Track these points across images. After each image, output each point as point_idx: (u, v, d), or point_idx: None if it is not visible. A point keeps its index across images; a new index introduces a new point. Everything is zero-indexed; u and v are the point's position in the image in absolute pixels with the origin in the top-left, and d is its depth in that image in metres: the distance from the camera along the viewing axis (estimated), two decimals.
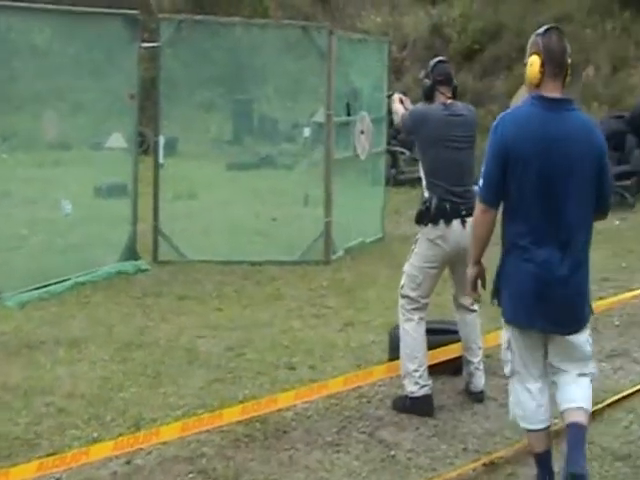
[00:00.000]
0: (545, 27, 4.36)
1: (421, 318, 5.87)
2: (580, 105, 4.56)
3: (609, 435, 5.39)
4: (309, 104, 12.01)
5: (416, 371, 5.75)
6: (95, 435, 5.35)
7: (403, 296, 5.89)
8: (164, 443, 5.08)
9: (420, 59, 24.05)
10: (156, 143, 10.46)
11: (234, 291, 9.16)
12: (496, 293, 4.51)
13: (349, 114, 11.17)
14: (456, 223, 5.72)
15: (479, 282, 4.62)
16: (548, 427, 4.54)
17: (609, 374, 6.55)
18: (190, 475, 4.91)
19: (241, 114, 13.85)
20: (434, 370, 6.06)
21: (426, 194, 5.83)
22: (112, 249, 9.91)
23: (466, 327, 6.08)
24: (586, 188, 4.31)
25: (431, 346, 6.03)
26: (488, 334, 6.78)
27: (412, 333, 5.82)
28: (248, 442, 5.32)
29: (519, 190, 4.28)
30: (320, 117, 11.23)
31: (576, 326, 4.42)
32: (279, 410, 5.58)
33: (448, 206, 5.70)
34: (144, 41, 10.28)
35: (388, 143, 13.40)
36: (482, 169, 4.38)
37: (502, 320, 4.54)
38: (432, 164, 5.84)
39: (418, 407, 5.73)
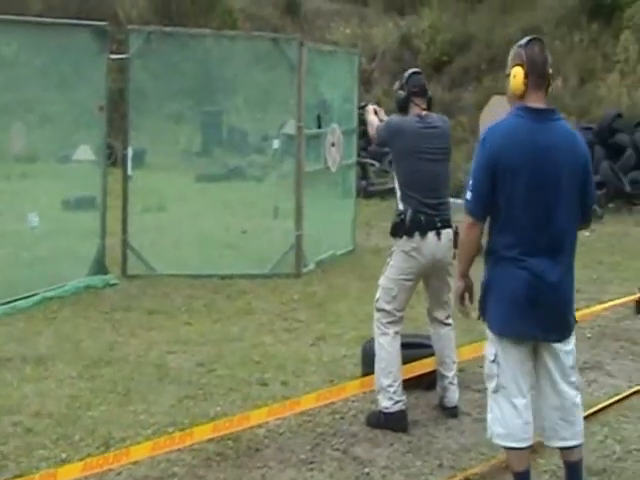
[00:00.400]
0: (527, 38, 4.40)
1: (397, 332, 5.81)
2: None
3: (584, 449, 5.35)
4: (279, 116, 11.97)
5: (390, 386, 5.69)
6: (64, 456, 5.24)
7: (378, 309, 5.84)
8: (134, 463, 4.98)
9: (389, 71, 24.17)
10: (125, 155, 10.36)
11: (204, 305, 9.07)
12: (482, 307, 4.46)
13: (319, 126, 11.12)
14: (431, 235, 5.68)
15: (466, 296, 4.58)
16: (531, 446, 4.50)
17: (582, 387, 6.50)
18: None
19: (210, 126, 13.78)
20: (407, 385, 6.01)
21: (401, 206, 5.79)
22: (80, 263, 9.78)
23: (440, 341, 6.03)
24: (572, 196, 4.33)
25: (404, 360, 5.99)
26: (461, 348, 6.77)
27: (387, 347, 5.76)
28: (220, 461, 5.24)
29: (508, 201, 4.26)
30: (290, 129, 11.19)
31: (566, 333, 4.43)
32: (251, 427, 5.50)
33: (423, 218, 5.67)
34: (112, 52, 10.18)
35: (358, 155, 13.37)
36: (469, 182, 4.35)
37: (489, 333, 4.47)
38: (407, 176, 5.80)
39: (392, 423, 5.67)
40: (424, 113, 5.87)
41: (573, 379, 4.52)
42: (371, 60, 24.51)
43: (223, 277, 10.27)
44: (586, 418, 5.68)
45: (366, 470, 5.13)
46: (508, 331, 4.36)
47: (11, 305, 8.61)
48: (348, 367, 6.97)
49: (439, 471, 5.14)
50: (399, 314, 5.82)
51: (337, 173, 11.61)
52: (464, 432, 5.73)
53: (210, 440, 5.31)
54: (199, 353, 7.38)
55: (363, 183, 16.73)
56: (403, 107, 5.92)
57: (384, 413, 5.70)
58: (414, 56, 24.05)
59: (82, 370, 6.85)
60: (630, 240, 13.14)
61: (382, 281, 5.86)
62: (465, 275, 4.54)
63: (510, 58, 4.40)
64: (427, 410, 6.09)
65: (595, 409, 5.95)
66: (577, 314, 7.36)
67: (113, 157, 14.64)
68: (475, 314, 4.60)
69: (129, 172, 10.30)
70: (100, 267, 9.92)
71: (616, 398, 6.28)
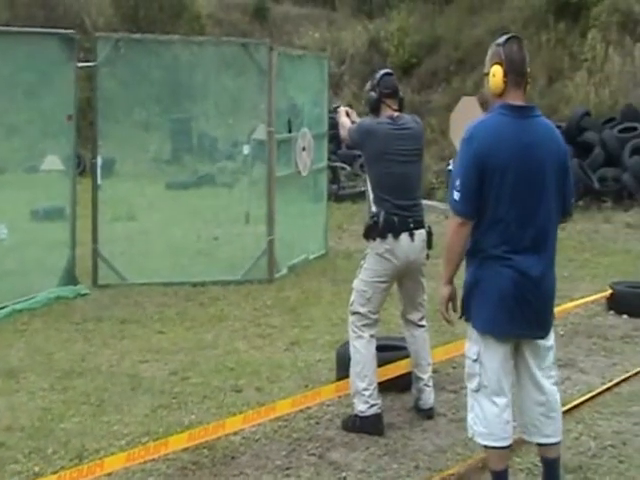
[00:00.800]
0: (505, 37, 4.42)
1: (372, 335, 5.79)
2: None
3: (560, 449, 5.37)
4: (249, 121, 11.94)
5: (366, 390, 5.67)
6: (37, 469, 5.17)
7: (353, 313, 5.82)
8: (109, 474, 4.93)
9: (358, 74, 24.22)
10: (93, 164, 10.28)
11: (176, 313, 9.02)
12: (466, 307, 4.46)
13: (290, 131, 11.11)
14: (404, 236, 5.68)
15: (450, 305, 4.56)
16: (511, 445, 4.52)
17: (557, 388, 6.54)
18: None
19: (180, 133, 13.74)
20: (382, 387, 6.01)
21: (374, 208, 5.77)
22: (50, 274, 9.70)
23: (415, 343, 6.01)
24: (554, 192, 4.38)
25: (379, 363, 5.99)
26: (435, 349, 6.77)
27: (362, 350, 5.74)
28: (195, 469, 5.20)
29: (496, 199, 4.27)
30: (260, 134, 11.16)
31: (548, 328, 4.47)
32: (226, 435, 5.47)
33: (396, 220, 5.66)
34: (80, 61, 10.10)
35: (328, 159, 13.36)
36: (456, 182, 4.33)
37: (471, 333, 4.47)
38: (379, 178, 5.78)
39: (368, 426, 5.66)
40: (396, 114, 5.86)
41: (553, 374, 4.58)
42: (340, 64, 24.56)
43: (195, 284, 10.23)
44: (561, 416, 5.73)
45: (343, 474, 5.11)
46: (495, 330, 4.37)
47: None
48: (323, 372, 6.95)
49: (416, 473, 5.13)
50: (374, 317, 5.81)
51: (308, 177, 11.60)
52: (440, 433, 5.73)
53: (185, 449, 5.28)
54: (172, 362, 7.33)
55: (334, 187, 16.73)
56: (375, 108, 5.91)
57: (360, 417, 5.68)
58: (383, 59, 24.12)
59: (54, 382, 6.79)
60: (599, 237, 13.22)
61: (356, 284, 5.83)
62: (451, 281, 4.51)
63: (488, 57, 4.41)
64: (402, 412, 6.08)
65: (569, 406, 5.96)
66: None
67: (82, 166, 14.57)
68: (455, 315, 4.60)
69: (98, 181, 10.23)
70: (70, 278, 9.84)
71: (590, 395, 6.30)
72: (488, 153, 4.25)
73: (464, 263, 4.49)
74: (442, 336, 7.74)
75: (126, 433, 5.73)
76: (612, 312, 8.73)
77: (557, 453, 4.59)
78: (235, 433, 5.59)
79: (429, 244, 5.86)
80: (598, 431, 5.68)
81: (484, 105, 12.24)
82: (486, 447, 4.50)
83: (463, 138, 4.36)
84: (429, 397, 5.98)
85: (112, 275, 10.24)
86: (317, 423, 5.93)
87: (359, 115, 6.48)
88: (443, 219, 14.58)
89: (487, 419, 4.41)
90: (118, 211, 11.47)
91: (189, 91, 11.66)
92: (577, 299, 8.65)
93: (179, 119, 13.28)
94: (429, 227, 5.88)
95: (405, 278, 5.88)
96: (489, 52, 4.42)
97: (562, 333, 7.95)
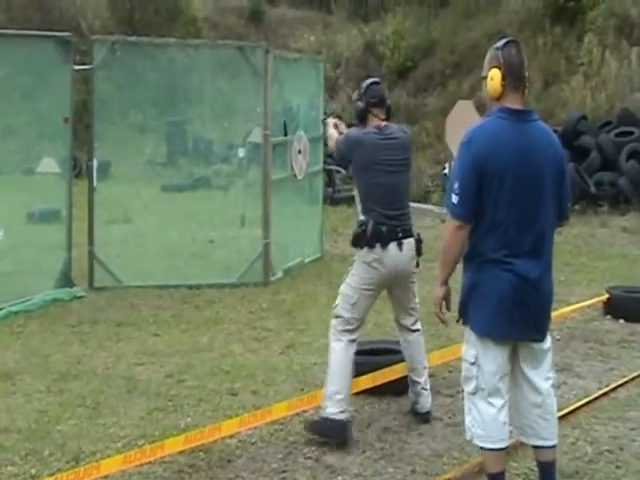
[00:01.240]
0: (504, 41, 4.43)
1: (351, 340, 5.71)
2: None
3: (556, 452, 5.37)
4: (244, 124, 11.94)
5: (338, 393, 5.57)
6: (33, 471, 5.17)
7: (336, 316, 5.76)
8: (105, 477, 4.91)
9: (354, 77, 24.21)
10: (90, 167, 10.28)
11: (172, 316, 9.02)
12: (464, 310, 4.47)
13: (286, 134, 11.10)
14: (393, 246, 5.63)
15: (444, 304, 4.58)
16: (507, 447, 4.53)
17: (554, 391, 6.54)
18: None
19: (175, 135, 13.75)
20: (377, 391, 6.01)
21: (362, 217, 5.72)
22: (46, 276, 9.70)
23: (410, 348, 5.98)
24: (552, 196, 4.39)
25: (374, 367, 5.99)
26: (431, 353, 6.77)
27: (339, 352, 5.67)
28: (192, 472, 5.20)
29: (495, 203, 4.28)
30: (255, 137, 11.17)
31: (545, 331, 4.50)
32: (222, 438, 5.46)
33: (384, 229, 5.61)
34: (76, 63, 10.09)
35: (324, 162, 13.36)
36: (454, 185, 4.33)
37: (469, 336, 4.48)
38: (367, 189, 5.73)
39: (335, 432, 5.54)
40: (383, 124, 5.80)
41: (551, 375, 4.60)
42: (336, 67, 24.57)
43: (191, 287, 10.23)
44: (557, 420, 5.72)
45: (339, 478, 5.11)
46: (494, 332, 4.38)
47: None
48: (318, 375, 6.92)
49: (412, 477, 5.13)
50: (356, 323, 5.73)
51: (304, 180, 11.60)
52: (436, 437, 5.72)
53: (181, 452, 5.27)
54: (168, 364, 7.33)
55: (329, 190, 16.73)
56: (362, 118, 5.84)
57: (329, 420, 5.57)
58: (378, 62, 24.15)
59: (50, 384, 6.78)
60: (596, 241, 13.23)
61: (343, 288, 5.79)
62: (446, 282, 4.53)
63: (487, 60, 4.42)
64: (398, 416, 6.07)
65: (566, 411, 5.96)
66: None
67: (78, 169, 14.56)
68: (447, 316, 4.60)
69: (94, 184, 10.23)
70: (66, 280, 9.84)
71: (586, 400, 6.30)
72: (487, 157, 4.25)
73: (460, 266, 4.50)
74: (438, 340, 7.75)
75: (122, 436, 5.72)
76: (609, 317, 8.74)
77: (553, 456, 4.60)
78: (231, 436, 5.58)
79: (419, 251, 5.81)
80: (595, 436, 5.68)
81: (481, 108, 12.24)
82: (483, 449, 4.50)
83: (462, 141, 4.36)
84: (426, 401, 5.97)
85: (108, 277, 10.24)
86: None
87: (348, 126, 6.43)
88: (439, 223, 14.60)
89: (484, 421, 4.42)
90: (114, 213, 11.47)
91: (185, 94, 11.68)
92: (573, 303, 8.66)
93: (175, 122, 13.29)
94: (418, 235, 5.84)
95: (394, 286, 5.83)
96: (487, 56, 4.43)
97: (558, 338, 7.95)
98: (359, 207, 5.81)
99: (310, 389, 6.49)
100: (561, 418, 5.71)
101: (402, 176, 5.79)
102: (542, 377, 4.53)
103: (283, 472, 5.20)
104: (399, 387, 6.13)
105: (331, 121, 6.30)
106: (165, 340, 8.11)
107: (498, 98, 4.37)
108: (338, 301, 5.79)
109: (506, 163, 4.27)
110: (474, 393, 4.47)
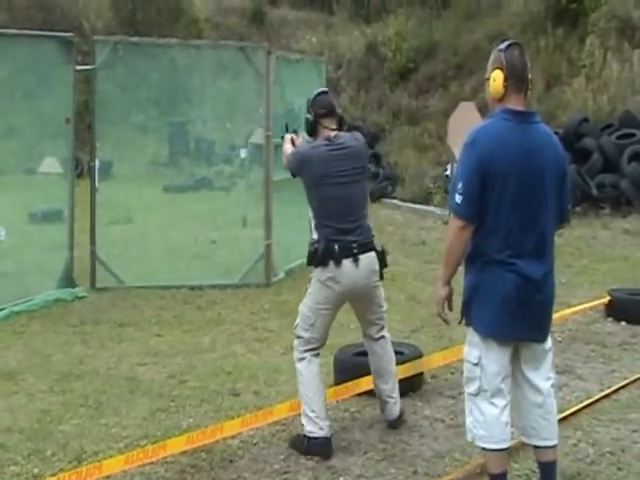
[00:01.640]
0: (507, 43, 4.45)
1: (315, 355, 5.62)
2: None
3: (557, 453, 5.36)
4: (246, 125, 11.95)
5: (313, 412, 5.49)
6: (36, 471, 5.18)
7: (296, 336, 5.66)
8: (107, 477, 4.92)
9: (355, 78, 24.27)
10: (92, 167, 10.29)
11: (174, 316, 9.03)
12: (467, 311, 4.47)
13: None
14: (347, 262, 5.44)
15: (446, 304, 4.57)
16: (509, 447, 4.54)
17: (555, 391, 6.53)
18: None
19: (177, 136, 13.74)
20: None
21: (315, 235, 5.57)
22: (48, 276, 9.71)
23: (374, 355, 5.83)
24: (554, 196, 4.41)
25: (367, 370, 5.95)
26: (432, 355, 6.79)
27: (304, 372, 5.57)
28: (194, 473, 5.20)
29: (498, 204, 4.29)
30: (257, 138, 11.16)
31: (547, 332, 4.52)
32: (224, 438, 5.47)
33: (337, 246, 5.43)
34: (78, 64, 10.10)
35: None
36: (458, 185, 4.32)
37: (471, 337, 4.49)
38: (319, 204, 5.55)
39: (317, 449, 5.45)
40: (333, 134, 5.59)
41: (552, 375, 4.62)
42: (337, 68, 24.58)
43: (192, 288, 10.24)
44: (559, 422, 5.68)
45: (341, 479, 5.11)
46: (498, 333, 4.39)
47: None
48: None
49: (414, 478, 5.13)
50: (317, 343, 5.62)
51: None
52: (438, 438, 5.72)
53: (183, 452, 5.28)
54: (170, 365, 7.34)
55: None
56: (312, 131, 5.70)
57: (308, 437, 5.48)
58: (380, 64, 24.17)
59: (53, 384, 6.79)
60: (597, 244, 13.22)
61: (301, 308, 5.69)
62: (448, 283, 4.52)
63: (490, 62, 4.44)
64: (404, 416, 6.06)
65: (567, 413, 5.96)
66: None
67: (79, 169, 14.58)
68: (450, 317, 4.60)
69: (96, 184, 10.24)
70: (68, 280, 9.85)
71: (588, 402, 6.30)
72: (490, 158, 4.26)
73: (461, 268, 4.51)
74: (439, 341, 7.77)
75: (124, 436, 5.73)
76: (610, 319, 8.73)
77: (554, 457, 4.61)
78: (233, 437, 5.58)
79: (383, 264, 5.64)
80: (596, 438, 5.67)
81: (483, 110, 12.24)
82: (485, 450, 4.51)
83: (466, 142, 4.36)
84: (394, 408, 5.84)
85: (110, 278, 10.25)
86: None
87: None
88: (440, 224, 14.62)
89: (487, 422, 4.43)
90: (116, 214, 11.50)
91: (187, 94, 11.67)
92: (575, 305, 8.66)
93: (177, 122, 13.28)
94: (382, 247, 5.69)
95: (355, 302, 5.69)
96: (490, 58, 4.45)
97: (560, 339, 7.95)
98: (312, 224, 5.65)
99: None
100: (563, 420, 5.73)
101: (356, 186, 5.59)
102: (543, 377, 4.55)
103: (285, 473, 5.20)
104: (402, 388, 6.11)
105: (287, 137, 6.05)
106: (167, 341, 8.11)
107: (500, 99, 4.39)
108: (298, 321, 5.68)
109: (509, 164, 4.28)
110: (476, 394, 4.47)
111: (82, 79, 10.61)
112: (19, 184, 10.74)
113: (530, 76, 4.44)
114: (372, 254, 5.56)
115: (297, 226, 11.39)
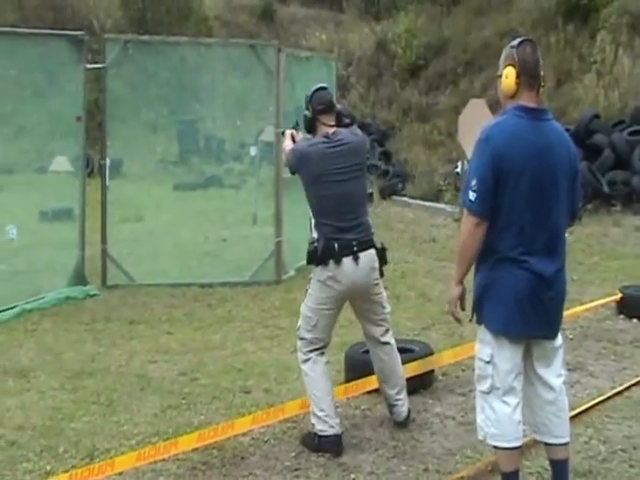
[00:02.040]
0: (519, 39, 4.44)
1: (320, 354, 5.61)
2: None
3: (569, 451, 5.35)
4: (256, 123, 11.95)
5: (322, 411, 5.49)
6: (48, 468, 5.20)
7: (299, 338, 5.65)
8: (119, 474, 4.95)
9: (365, 76, 24.25)
10: (102, 165, 10.31)
11: (185, 314, 9.04)
12: (478, 309, 4.47)
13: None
14: (347, 261, 5.41)
15: (458, 303, 4.56)
16: (522, 446, 4.53)
17: (566, 389, 6.52)
18: None
19: (187, 134, 13.76)
20: None
21: (314, 234, 5.54)
22: (60, 274, 9.74)
23: (380, 362, 5.79)
24: (566, 193, 4.41)
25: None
26: (444, 352, 6.78)
27: (310, 373, 5.57)
28: (205, 470, 5.21)
29: (511, 201, 4.28)
30: (267, 136, 11.17)
31: (558, 329, 4.51)
32: (236, 436, 5.48)
33: (336, 245, 5.39)
34: (88, 62, 10.12)
35: None
36: (472, 182, 4.31)
37: (483, 335, 4.47)
38: (318, 202, 5.52)
39: (327, 446, 5.46)
40: (332, 131, 5.55)
41: (563, 372, 4.62)
42: (347, 65, 24.56)
43: (203, 286, 10.25)
44: (570, 419, 5.67)
45: (352, 476, 5.11)
46: (511, 331, 4.38)
47: None
48: (331, 373, 6.89)
49: (424, 476, 5.13)
50: (320, 343, 5.61)
51: None
52: (448, 436, 5.72)
53: (195, 449, 5.29)
54: (181, 362, 7.35)
55: None
56: (311, 128, 5.66)
57: (319, 436, 5.49)
58: (390, 61, 24.14)
59: (64, 382, 6.81)
60: (609, 241, 13.17)
61: (302, 309, 5.65)
62: (461, 281, 4.51)
63: (502, 59, 4.43)
64: (411, 415, 6.06)
65: (579, 410, 5.95)
66: None
67: (90, 167, 14.59)
68: (462, 315, 4.59)
69: (107, 182, 10.25)
70: (80, 278, 9.87)
71: (599, 399, 6.29)
72: (504, 156, 4.25)
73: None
74: (450, 339, 7.76)
75: (136, 433, 5.75)
76: (622, 316, 8.70)
77: (566, 454, 4.60)
78: (244, 434, 5.60)
79: (383, 261, 5.61)
80: (608, 435, 5.67)
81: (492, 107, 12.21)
82: (496, 448, 4.50)
83: (479, 138, 4.35)
84: (402, 410, 5.83)
85: (121, 276, 10.27)
86: None
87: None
88: (451, 222, 14.60)
89: (499, 420, 4.42)
90: (126, 212, 11.50)
91: (197, 93, 11.67)
92: (586, 303, 8.63)
93: (187, 120, 13.30)
94: (382, 244, 5.66)
95: (356, 300, 5.65)
96: (502, 54, 4.44)
97: (571, 337, 7.94)
98: (312, 222, 5.62)
99: None
100: (574, 417, 5.72)
101: (356, 183, 5.55)
102: (554, 374, 4.54)
103: (296, 470, 5.21)
104: (411, 385, 6.11)
105: (288, 133, 6.01)
106: (178, 338, 8.13)
107: (512, 96, 4.37)
108: (299, 322, 5.66)
109: (523, 161, 4.27)
110: (489, 392, 4.46)
111: (92, 77, 10.62)
112: (30, 183, 10.79)
113: (542, 73, 4.43)
114: (372, 251, 5.54)
115: (307, 223, 11.38)
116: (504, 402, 4.42)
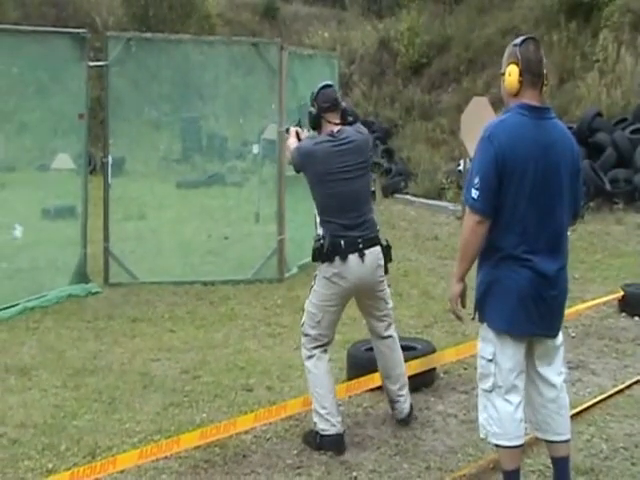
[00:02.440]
0: (522, 38, 4.43)
1: (324, 351, 5.61)
2: None
3: (571, 449, 5.35)
4: (259, 121, 11.93)
5: (324, 408, 5.49)
6: (50, 466, 5.20)
7: (303, 334, 5.65)
8: (121, 471, 4.96)
9: (368, 74, 24.24)
10: (105, 163, 10.30)
11: (187, 312, 9.05)
12: (481, 307, 4.47)
13: None
14: (353, 258, 5.42)
15: (459, 300, 4.55)
16: (523, 444, 4.53)
17: (567, 386, 6.52)
18: None
19: (190, 132, 13.73)
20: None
21: (320, 231, 5.54)
22: (62, 272, 9.75)
23: (382, 355, 5.82)
24: (568, 192, 4.41)
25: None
26: (446, 350, 6.79)
27: (313, 370, 5.57)
28: (207, 468, 5.22)
29: (514, 199, 4.28)
30: (270, 134, 11.16)
31: (559, 327, 4.51)
32: (238, 433, 5.49)
33: (342, 242, 5.40)
34: (90, 60, 10.12)
35: None
36: (475, 180, 4.30)
37: (485, 333, 4.47)
38: (323, 200, 5.53)
39: (329, 445, 5.45)
40: (337, 129, 5.56)
41: (564, 370, 4.63)
42: (350, 63, 24.56)
43: (205, 283, 10.26)
44: (572, 417, 5.68)
45: (354, 474, 5.11)
46: (514, 329, 4.38)
47: None
48: (333, 371, 6.88)
49: (427, 473, 5.13)
50: (325, 339, 5.61)
51: None
52: (451, 434, 5.72)
53: (197, 447, 5.30)
54: (183, 360, 7.35)
55: None
56: (316, 125, 5.66)
57: (321, 435, 5.49)
58: (393, 59, 24.14)
59: (66, 379, 6.82)
60: (611, 239, 13.16)
61: (307, 305, 5.66)
62: (462, 279, 4.50)
63: (505, 57, 4.42)
64: (413, 412, 6.06)
65: (581, 408, 5.96)
66: None
67: (92, 165, 14.60)
68: (463, 313, 4.59)
69: (109, 180, 10.25)
70: (82, 276, 9.88)
71: (601, 397, 6.29)
72: (507, 154, 4.25)
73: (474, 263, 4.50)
74: (452, 337, 7.76)
75: (138, 431, 5.75)
76: (624, 314, 8.70)
77: (567, 452, 4.60)
78: (246, 432, 5.60)
79: (388, 258, 5.62)
80: (610, 433, 5.67)
81: (495, 105, 12.20)
82: (498, 447, 4.50)
83: (482, 137, 4.34)
84: (404, 407, 5.83)
85: (123, 273, 10.28)
86: None
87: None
88: (453, 220, 14.59)
89: (501, 418, 4.42)
90: (129, 210, 11.51)
91: (199, 90, 11.67)
92: (588, 301, 8.64)
93: (189, 118, 13.27)
94: (387, 241, 5.67)
95: (361, 297, 5.67)
96: (506, 53, 4.43)
97: (573, 335, 7.94)
98: (317, 220, 5.61)
99: None
100: (576, 415, 5.73)
101: (361, 181, 5.56)
102: (556, 372, 4.55)
103: (298, 468, 5.21)
104: (414, 383, 6.12)
105: (292, 130, 6.02)
106: (180, 336, 8.13)
107: (515, 94, 4.37)
108: (304, 319, 5.66)
109: (526, 160, 4.27)
110: (491, 390, 4.46)
111: (95, 75, 10.61)
112: (32, 180, 10.77)
113: (545, 71, 4.42)
114: (377, 249, 5.55)
115: (310, 221, 11.37)
116: (506, 400, 4.41)
